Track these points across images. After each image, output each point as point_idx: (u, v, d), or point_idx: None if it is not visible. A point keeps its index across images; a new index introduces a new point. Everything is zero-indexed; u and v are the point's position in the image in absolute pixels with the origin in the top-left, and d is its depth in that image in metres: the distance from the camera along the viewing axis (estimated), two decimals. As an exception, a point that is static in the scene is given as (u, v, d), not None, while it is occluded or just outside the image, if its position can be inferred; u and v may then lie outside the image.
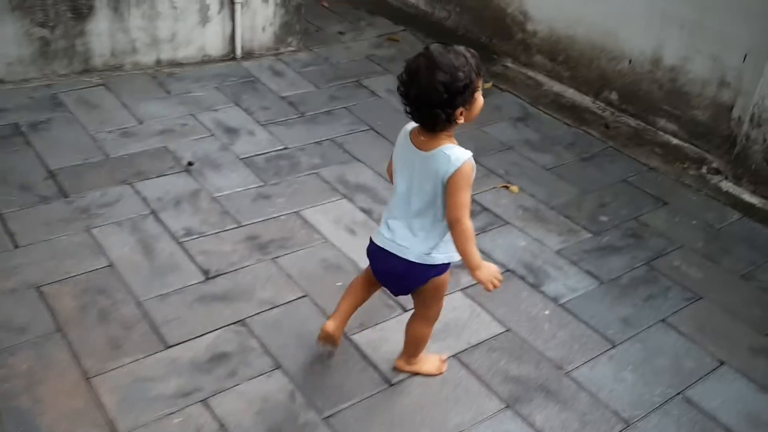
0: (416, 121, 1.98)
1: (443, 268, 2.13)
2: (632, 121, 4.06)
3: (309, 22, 4.99)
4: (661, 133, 3.95)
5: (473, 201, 3.28)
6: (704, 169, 3.69)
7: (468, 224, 1.97)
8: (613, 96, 4.14)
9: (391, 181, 2.12)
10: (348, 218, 3.16)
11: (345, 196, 3.30)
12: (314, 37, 4.84)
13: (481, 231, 3.15)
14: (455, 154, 1.93)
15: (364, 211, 3.22)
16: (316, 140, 3.72)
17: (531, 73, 4.55)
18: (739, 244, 3.18)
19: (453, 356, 2.50)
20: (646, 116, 4.01)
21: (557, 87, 4.43)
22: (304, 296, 2.69)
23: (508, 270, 2.94)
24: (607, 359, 2.55)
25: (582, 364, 2.52)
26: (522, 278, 2.90)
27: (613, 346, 2.60)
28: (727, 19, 3.50)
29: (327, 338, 2.28)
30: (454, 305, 2.71)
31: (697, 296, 2.86)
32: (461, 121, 1.93)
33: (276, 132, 3.71)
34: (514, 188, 3.48)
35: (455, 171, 1.91)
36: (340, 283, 2.75)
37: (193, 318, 2.54)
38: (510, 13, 4.61)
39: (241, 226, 3.01)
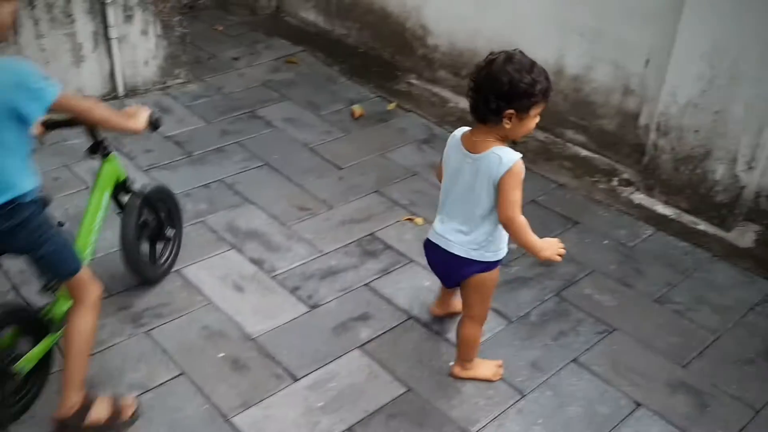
0: (471, 108, 2.08)
1: (488, 265, 2.21)
2: (540, 134, 3.89)
3: (200, 49, 4.70)
4: (570, 145, 3.79)
5: (375, 238, 3.11)
6: (615, 181, 3.53)
7: (521, 220, 2.07)
8: (520, 108, 3.96)
9: (440, 181, 2.24)
10: (236, 273, 2.89)
11: (234, 247, 3.03)
12: (206, 65, 4.54)
13: (382, 273, 2.93)
14: (506, 155, 2.02)
15: (254, 262, 2.95)
16: (204, 183, 3.43)
17: (436, 90, 4.35)
18: (653, 262, 3.02)
19: (347, 430, 2.26)
20: (554, 128, 3.84)
21: (463, 103, 4.19)
22: (180, 374, 2.41)
23: (410, 318, 2.71)
24: (515, 413, 2.34)
25: (489, 423, 2.30)
26: (426, 326, 2.68)
27: (522, 396, 2.40)
28: (626, 26, 3.36)
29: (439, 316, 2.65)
30: (350, 368, 2.47)
31: (610, 328, 2.69)
32: (508, 125, 2.00)
33: (159, 177, 3.41)
34: (419, 220, 3.26)
35: (506, 171, 2.01)
36: (222, 354, 2.48)
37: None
38: (409, 27, 4.40)
39: (112, 295, 2.70)
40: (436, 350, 2.57)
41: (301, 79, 4.40)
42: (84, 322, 2.11)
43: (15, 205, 1.92)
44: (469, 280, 2.25)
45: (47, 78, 1.89)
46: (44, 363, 2.21)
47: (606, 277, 2.94)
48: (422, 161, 3.70)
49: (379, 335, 2.62)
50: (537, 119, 2.04)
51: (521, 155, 2.03)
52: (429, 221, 3.23)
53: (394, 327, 2.67)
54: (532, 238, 2.10)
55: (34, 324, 2.18)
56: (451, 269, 2.28)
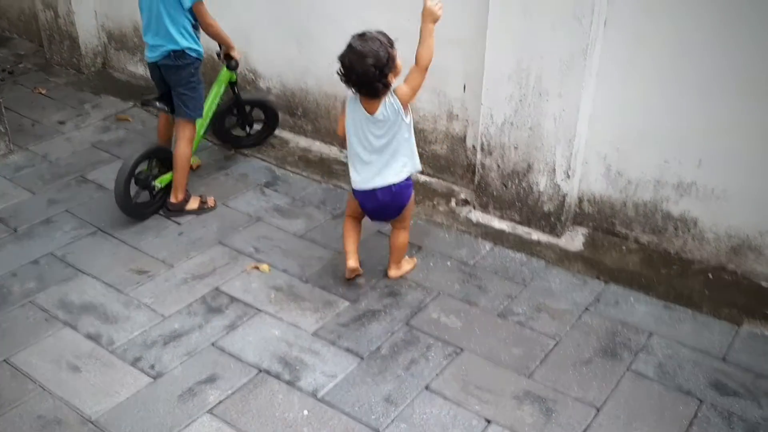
0: (363, 95, 2.71)
1: (411, 186, 2.93)
2: (380, 165, 3.94)
3: (22, 117, 4.45)
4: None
5: (220, 293, 3.02)
6: (453, 202, 3.64)
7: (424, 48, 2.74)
8: (357, 142, 4.02)
9: (340, 134, 2.91)
10: (70, 353, 2.72)
11: (67, 324, 2.86)
12: (29, 132, 4.30)
13: (229, 329, 2.85)
14: (389, 97, 2.73)
15: (90, 337, 2.79)
16: (32, 259, 3.23)
17: (275, 132, 4.33)
18: (493, 277, 3.13)
19: (198, 502, 2.16)
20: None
21: (303, 142, 4.24)
22: (10, 476, 2.23)
23: (261, 371, 2.65)
24: (372, 452, 2.33)
25: (346, 467, 2.28)
26: (277, 377, 2.63)
27: (378, 433, 2.40)
28: (441, 54, 3.47)
29: (354, 272, 3.05)
30: (198, 435, 2.37)
31: (458, 349, 2.74)
32: (393, 80, 2.68)
33: (-21, 261, 3.17)
34: (265, 267, 3.21)
35: (399, 98, 2.73)
36: (58, 444, 2.32)
37: None
38: (239, 72, 4.34)
39: (-71, 400, 2.47)
40: (289, 401, 2.53)
41: (134, 137, 4.25)
42: (183, 148, 3.46)
43: (177, 52, 3.27)
44: (410, 199, 2.91)
45: None
46: (169, 185, 3.52)
47: (451, 298, 3.01)
48: (266, 205, 3.66)
49: (229, 395, 2.54)
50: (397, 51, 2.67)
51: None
52: (275, 267, 3.20)
53: (244, 384, 2.59)
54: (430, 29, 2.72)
55: (167, 160, 3.50)
56: (397, 199, 2.87)
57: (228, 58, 3.63)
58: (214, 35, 3.44)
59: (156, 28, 3.28)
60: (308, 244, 3.36)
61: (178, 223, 3.50)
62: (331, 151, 4.12)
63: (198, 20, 3.32)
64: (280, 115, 4.28)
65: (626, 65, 2.96)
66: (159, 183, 3.49)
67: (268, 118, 4.13)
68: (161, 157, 3.51)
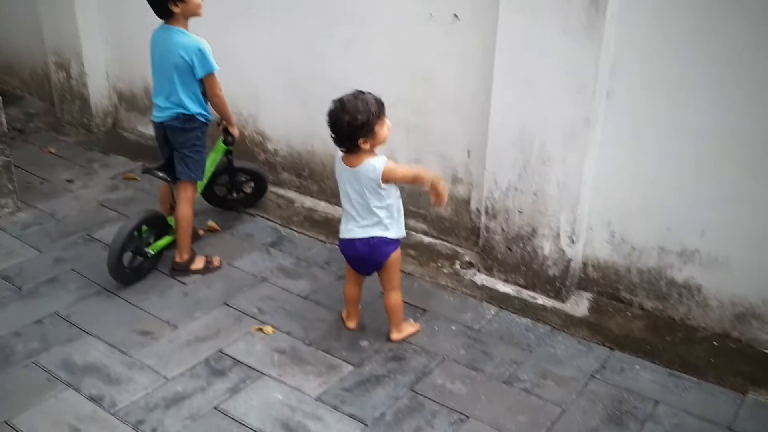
0: (338, 146, 2.82)
1: (395, 243, 2.95)
2: (385, 226, 3.98)
3: (31, 175, 4.51)
4: (413, 233, 3.90)
5: (223, 355, 3.01)
6: (458, 264, 3.66)
7: (417, 169, 2.99)
8: (362, 203, 4.06)
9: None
10: (72, 415, 2.69)
11: (70, 386, 2.84)
12: (38, 191, 4.35)
13: (232, 392, 2.83)
14: (376, 163, 2.78)
15: (92, 399, 2.77)
16: (36, 319, 3.23)
17: (281, 192, 4.38)
18: (498, 343, 3.11)
19: None
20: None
21: (308, 202, 4.29)
22: None
23: (263, 436, 2.62)
24: None
25: None
26: (279, 442, 2.60)
27: (382, 504, 2.35)
28: (446, 121, 3.56)
29: (354, 328, 3.19)
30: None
31: (464, 416, 2.72)
32: (366, 146, 2.75)
33: (-17, 320, 3.17)
34: (269, 329, 3.20)
35: (384, 171, 2.77)
36: None
37: None
38: (248, 135, 4.44)
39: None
40: (291, 468, 2.49)
41: (141, 195, 4.30)
42: (185, 209, 3.49)
43: (185, 116, 3.35)
44: (390, 257, 2.93)
45: (211, 59, 3.28)
46: (161, 251, 3.57)
47: (456, 364, 2.99)
48: (271, 265, 3.67)
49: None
50: (387, 126, 2.77)
51: (386, 159, 2.81)
52: (279, 329, 3.20)
53: (247, 449, 2.56)
54: (419, 170, 2.96)
55: (162, 226, 3.56)
56: (376, 252, 2.92)
57: (226, 133, 3.67)
58: (219, 107, 3.48)
59: (168, 92, 3.35)
60: (312, 306, 3.37)
61: (183, 283, 3.51)
62: (336, 211, 4.16)
63: (206, 90, 3.38)
64: (287, 175, 4.34)
65: (628, 135, 3.02)
66: (152, 250, 3.50)
67: (257, 187, 4.16)
68: (156, 224, 3.53)
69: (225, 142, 3.72)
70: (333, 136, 2.78)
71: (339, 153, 2.87)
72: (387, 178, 2.78)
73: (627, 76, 2.94)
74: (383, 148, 2.86)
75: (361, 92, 2.76)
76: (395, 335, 3.11)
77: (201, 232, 3.88)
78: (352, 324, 3.18)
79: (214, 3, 4.10)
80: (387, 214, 2.88)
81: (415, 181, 2.93)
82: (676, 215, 3.03)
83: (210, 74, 3.32)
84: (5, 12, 5.56)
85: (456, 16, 3.31)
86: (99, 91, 5.02)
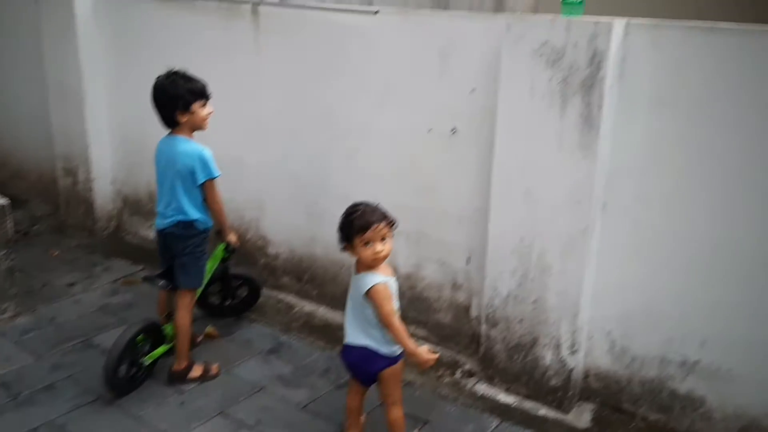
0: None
1: (393, 359, 2.88)
2: (385, 333, 3.97)
3: (33, 278, 4.53)
4: (414, 338, 3.88)
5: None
6: (459, 374, 3.63)
7: (397, 325, 2.76)
8: (363, 309, 4.07)
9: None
10: None
11: (61, 501, 2.76)
12: (39, 294, 4.36)
13: None
14: (372, 278, 2.75)
15: None
16: (31, 427, 3.16)
17: (281, 296, 4.40)
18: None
19: None
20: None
21: (308, 306, 4.29)
22: None
23: None
24: None
25: None
26: None
27: None
28: (445, 228, 3.63)
29: None
30: None
31: None
32: (353, 252, 2.79)
33: (-24, 431, 3.11)
34: (266, 442, 3.14)
35: (369, 290, 2.73)
36: None
37: None
38: (250, 239, 4.50)
39: None
40: None
41: (142, 300, 4.30)
42: (183, 317, 3.49)
43: (185, 222, 3.40)
44: (384, 372, 2.85)
45: (213, 165, 3.35)
46: (157, 360, 3.53)
47: (458, 479, 2.92)
48: (270, 373, 3.64)
49: None
50: (372, 248, 2.71)
51: (381, 280, 2.74)
52: (277, 441, 3.14)
53: None
54: (408, 342, 2.76)
55: (158, 335, 3.53)
56: (367, 363, 2.86)
57: (227, 242, 3.70)
58: (217, 214, 3.49)
59: (169, 199, 3.41)
60: (311, 418, 3.31)
61: (180, 392, 3.46)
62: (336, 316, 4.16)
63: (206, 196, 3.42)
64: (287, 279, 4.37)
65: (626, 246, 3.07)
66: (148, 359, 3.47)
67: (250, 293, 4.16)
68: (152, 333, 3.50)
69: (226, 249, 3.75)
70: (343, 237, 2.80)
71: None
72: (370, 296, 2.74)
73: (622, 189, 3.03)
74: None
75: (374, 206, 2.80)
76: None
77: (199, 339, 3.86)
78: None
79: (227, 117, 4.28)
80: (380, 330, 2.81)
81: (394, 336, 2.79)
82: (676, 325, 3.04)
83: (210, 180, 3.37)
84: (16, 120, 5.75)
85: (454, 129, 3.44)
86: (104, 195, 5.13)
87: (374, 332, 2.82)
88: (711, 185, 2.86)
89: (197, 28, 4.37)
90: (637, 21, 2.89)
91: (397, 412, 2.95)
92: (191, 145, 3.36)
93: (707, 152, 2.83)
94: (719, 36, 2.74)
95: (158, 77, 3.34)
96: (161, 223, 3.46)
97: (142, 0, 4.70)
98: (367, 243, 2.72)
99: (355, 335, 2.87)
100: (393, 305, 2.78)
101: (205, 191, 3.40)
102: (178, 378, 3.51)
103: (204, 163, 3.33)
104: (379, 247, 2.73)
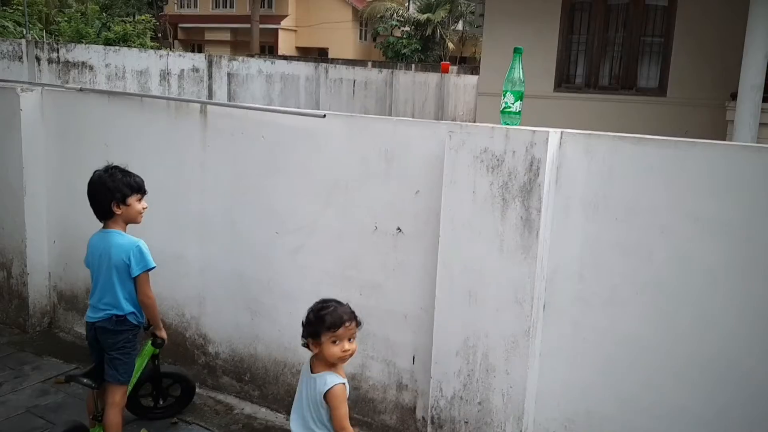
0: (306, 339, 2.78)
1: None
2: (328, 435, 3.86)
3: (-45, 376, 4.28)
4: (358, 442, 3.80)
5: None
6: (404, 478, 3.54)
7: (350, 429, 2.75)
8: (305, 410, 3.97)
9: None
10: None
11: None
12: (-39, 395, 4.11)
13: None
14: (332, 378, 2.74)
15: None
16: None
17: (220, 397, 4.26)
18: None
19: None
20: (340, 427, 3.85)
21: (249, 408, 4.16)
22: None
23: None
24: None
25: None
26: None
27: None
28: (390, 326, 3.63)
29: None
30: None
31: None
32: (316, 350, 2.75)
33: None
34: None
35: (328, 390, 2.70)
36: None
37: None
38: (189, 336, 4.39)
39: None
40: None
41: (72, 401, 4.10)
42: (114, 415, 3.36)
43: (118, 317, 3.34)
44: None
45: (149, 256, 3.34)
46: None
47: None
48: (206, 481, 3.48)
49: None
50: (340, 346, 2.71)
51: (341, 381, 2.74)
52: None
53: None
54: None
55: None
56: None
57: (154, 336, 3.61)
58: (149, 308, 3.43)
59: (103, 291, 3.35)
60: None
61: (111, 502, 3.27)
62: (277, 418, 4.04)
63: (138, 289, 3.36)
64: (227, 379, 4.25)
65: (567, 347, 3.12)
66: None
67: (183, 392, 4.04)
68: None
69: (154, 344, 3.64)
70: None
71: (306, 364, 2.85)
72: (329, 397, 2.70)
73: (561, 291, 3.11)
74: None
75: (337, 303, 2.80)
76: None
77: None
78: None
79: (170, 213, 4.26)
80: None
81: None
82: (619, 426, 3.06)
83: (145, 272, 3.35)
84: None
85: (399, 229, 3.50)
86: (39, 290, 4.96)
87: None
88: (646, 287, 2.96)
89: (144, 125, 4.40)
90: (570, 131, 3.05)
91: None
92: (126, 237, 3.35)
93: (640, 256, 2.95)
94: (647, 146, 2.91)
95: (96, 171, 3.38)
96: (93, 316, 3.38)
97: (90, 96, 4.72)
98: (335, 341, 2.71)
99: None
100: (347, 408, 2.74)
101: (138, 284, 3.37)
102: None
103: (140, 255, 3.32)
104: (347, 345, 2.73)
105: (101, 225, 3.42)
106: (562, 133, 3.03)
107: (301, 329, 2.81)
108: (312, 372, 2.78)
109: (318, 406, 2.74)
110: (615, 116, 10.06)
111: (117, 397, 3.39)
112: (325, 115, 3.64)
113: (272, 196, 3.95)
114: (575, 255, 3.07)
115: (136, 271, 3.31)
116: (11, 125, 4.78)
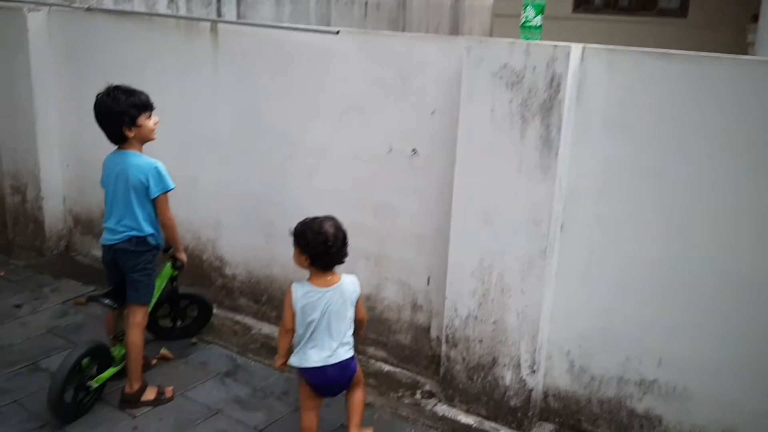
0: (335, 262, 2.97)
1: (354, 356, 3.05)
2: (344, 354, 3.93)
3: (-22, 299, 4.36)
4: (373, 361, 3.87)
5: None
6: (418, 394, 3.60)
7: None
8: (321, 330, 4.03)
9: (290, 327, 2.99)
10: None
11: None
12: (-17, 316, 4.20)
13: None
14: (354, 282, 3.03)
15: None
16: (-27, 458, 3.03)
17: (238, 317, 4.32)
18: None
19: None
20: (356, 346, 3.91)
21: (266, 328, 4.22)
22: None
23: None
24: None
25: None
26: None
27: None
28: (405, 248, 3.62)
29: None
30: None
31: None
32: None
33: None
34: (222, 467, 3.06)
35: (359, 291, 3.03)
36: None
37: None
38: (206, 259, 4.42)
39: None
40: None
41: (92, 322, 4.17)
42: (135, 334, 3.39)
43: (138, 238, 3.32)
44: (357, 371, 3.05)
45: (168, 177, 3.30)
46: (105, 383, 3.43)
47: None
48: (226, 396, 3.56)
49: None
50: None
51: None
52: (233, 466, 3.06)
53: None
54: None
55: (106, 358, 3.42)
56: (345, 373, 2.98)
57: (174, 259, 3.64)
58: (169, 229, 3.43)
59: (122, 213, 3.32)
60: (270, 440, 3.25)
61: (133, 416, 3.36)
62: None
63: (158, 210, 3.35)
64: (245, 300, 4.30)
65: (584, 266, 3.11)
66: (95, 383, 3.35)
67: (200, 313, 4.10)
68: (99, 356, 3.39)
69: (174, 266, 3.67)
70: (320, 254, 2.90)
71: (302, 287, 2.95)
72: (359, 302, 3.03)
73: (579, 211, 3.07)
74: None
75: (330, 218, 2.97)
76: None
77: (153, 361, 3.77)
78: None
79: (183, 136, 4.21)
80: (350, 332, 3.01)
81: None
82: (633, 345, 3.08)
83: (164, 194, 3.31)
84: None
85: (415, 151, 3.45)
86: (54, 214, 4.98)
87: (350, 338, 2.99)
88: (664, 207, 2.92)
89: (154, 45, 4.32)
90: (593, 46, 2.95)
91: (363, 392, 3.12)
92: (143, 158, 3.29)
93: (660, 175, 2.90)
94: (671, 62, 2.81)
95: (98, 95, 3.25)
96: (111, 239, 3.36)
97: (97, 14, 4.62)
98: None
99: (334, 354, 2.92)
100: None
101: (158, 205, 3.33)
102: (131, 401, 3.41)
103: (159, 176, 3.28)
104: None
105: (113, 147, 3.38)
106: (584, 48, 2.93)
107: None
108: (330, 285, 2.94)
109: (348, 311, 2.97)
110: (634, 39, 9.78)
111: (138, 317, 3.43)
112: (338, 32, 3.54)
113: (284, 118, 3.90)
114: (594, 174, 3.02)
115: (155, 192, 3.28)
116: (19, 47, 4.70)
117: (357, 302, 3.00)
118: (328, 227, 2.90)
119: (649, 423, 3.12)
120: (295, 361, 2.96)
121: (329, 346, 2.92)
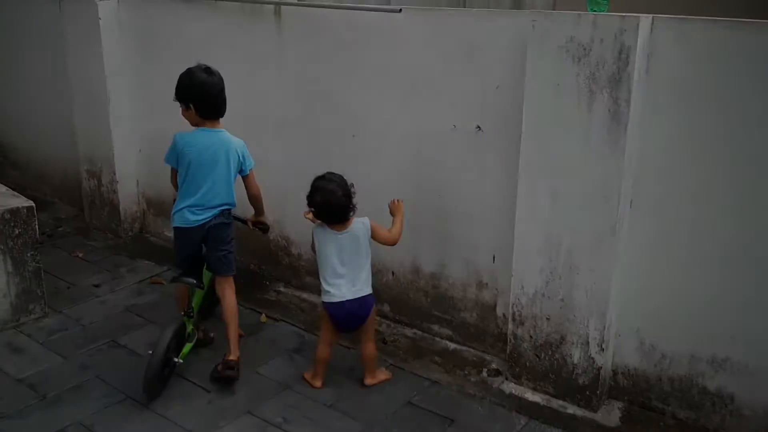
0: (336, 220, 3.31)
1: (374, 298, 3.42)
2: (409, 331, 3.98)
3: (59, 279, 4.57)
4: (438, 339, 3.89)
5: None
6: (485, 372, 3.61)
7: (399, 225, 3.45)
8: (386, 308, 4.07)
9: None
10: None
11: (91, 502, 2.77)
12: (65, 295, 4.40)
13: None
14: (363, 221, 3.36)
15: None
16: (59, 428, 3.19)
17: (305, 296, 4.41)
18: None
19: None
20: (421, 324, 3.95)
21: (332, 306, 4.29)
22: None
23: None
24: None
25: None
26: None
27: None
28: (471, 227, 3.61)
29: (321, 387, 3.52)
30: None
31: None
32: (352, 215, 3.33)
33: (5, 429, 3.14)
34: (293, 440, 3.15)
35: (370, 226, 3.35)
36: None
37: None
38: (273, 239, 4.51)
39: None
40: None
41: (168, 300, 4.32)
42: (234, 303, 3.59)
43: (229, 211, 3.51)
44: (372, 310, 3.38)
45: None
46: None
47: (487, 478, 2.91)
48: (295, 372, 3.64)
49: None
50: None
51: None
52: (304, 440, 3.14)
53: None
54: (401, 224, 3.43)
55: (183, 333, 3.57)
56: (363, 309, 3.34)
57: (260, 224, 3.84)
58: (260, 199, 3.71)
59: (217, 190, 3.44)
60: (339, 415, 3.31)
61: (207, 391, 3.48)
62: (360, 316, 4.16)
63: (248, 185, 3.59)
64: (311, 279, 4.38)
65: (654, 243, 3.05)
66: (180, 359, 3.51)
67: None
68: (181, 333, 3.54)
69: (263, 231, 3.92)
70: (331, 216, 3.28)
71: (322, 231, 3.33)
72: (375, 230, 3.35)
73: (649, 187, 3.01)
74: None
75: (321, 176, 3.34)
76: (369, 380, 3.50)
77: (212, 334, 3.88)
78: (318, 383, 3.49)
79: (249, 118, 4.28)
80: (368, 270, 3.35)
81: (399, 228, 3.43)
82: (705, 322, 3.01)
83: (252, 170, 3.56)
84: (40, 123, 5.81)
85: (479, 127, 3.43)
86: (128, 197, 5.17)
87: (368, 275, 3.36)
88: (738, 182, 2.82)
89: (220, 28, 4.40)
90: (663, 16, 2.86)
91: (373, 346, 3.48)
92: (232, 136, 3.49)
93: (736, 149, 2.80)
94: (745, 31, 2.70)
95: (197, 72, 3.36)
96: (203, 217, 3.45)
97: (165, 1, 4.73)
98: None
99: (354, 290, 3.30)
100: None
101: (251, 179, 3.59)
102: (234, 368, 3.48)
103: (248, 152, 3.52)
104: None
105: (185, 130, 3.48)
106: (653, 18, 2.85)
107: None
108: (343, 230, 3.30)
109: (365, 246, 3.33)
110: (708, 8, 9.41)
111: (232, 285, 3.63)
112: (401, 10, 3.53)
113: (349, 98, 3.92)
114: (665, 149, 2.94)
115: (249, 166, 3.52)
116: (91, 35, 4.87)
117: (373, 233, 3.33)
118: (326, 188, 3.26)
119: (720, 401, 3.05)
120: (324, 297, 3.34)
121: (349, 284, 3.29)
